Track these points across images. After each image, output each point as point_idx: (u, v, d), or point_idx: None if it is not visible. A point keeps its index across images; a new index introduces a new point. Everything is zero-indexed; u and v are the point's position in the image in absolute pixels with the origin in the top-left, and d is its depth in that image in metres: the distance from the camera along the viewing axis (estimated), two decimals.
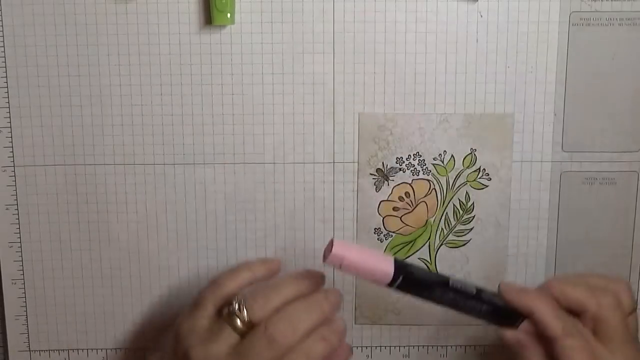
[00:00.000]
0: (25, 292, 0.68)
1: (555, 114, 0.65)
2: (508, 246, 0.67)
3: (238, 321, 0.53)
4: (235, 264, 0.64)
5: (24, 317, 0.68)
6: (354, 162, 0.66)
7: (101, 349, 0.69)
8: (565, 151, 0.66)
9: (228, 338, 0.53)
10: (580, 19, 0.63)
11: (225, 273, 0.59)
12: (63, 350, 0.69)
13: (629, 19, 0.63)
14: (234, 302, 0.54)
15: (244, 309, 0.53)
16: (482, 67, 0.64)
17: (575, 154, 0.66)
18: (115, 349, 0.69)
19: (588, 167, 0.66)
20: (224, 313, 0.54)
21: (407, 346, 0.69)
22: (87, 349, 0.69)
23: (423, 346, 0.69)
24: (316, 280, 0.57)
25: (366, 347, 0.69)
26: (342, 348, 0.56)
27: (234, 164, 0.66)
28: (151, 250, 0.67)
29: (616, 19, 0.63)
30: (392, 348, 0.69)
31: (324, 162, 0.66)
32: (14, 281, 0.68)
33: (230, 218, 0.67)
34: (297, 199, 0.66)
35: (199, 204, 0.66)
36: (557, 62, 0.64)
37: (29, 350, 0.69)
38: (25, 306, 0.68)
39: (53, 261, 0.67)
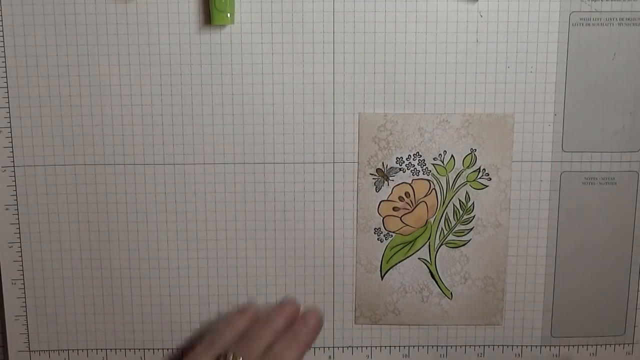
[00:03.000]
0: (25, 292, 0.68)
1: (555, 114, 0.65)
2: (508, 246, 0.67)
3: None
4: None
5: (24, 317, 0.68)
6: (353, 162, 0.66)
7: (101, 349, 0.69)
8: (565, 151, 0.66)
9: None
10: (580, 19, 0.63)
11: (212, 335, 0.63)
12: (63, 350, 0.69)
13: (629, 19, 0.63)
14: (229, 354, 0.60)
15: (240, 357, 0.60)
16: (482, 67, 0.64)
17: (575, 154, 0.66)
18: (115, 349, 0.69)
19: (588, 167, 0.66)
20: None
21: (407, 346, 0.69)
22: (87, 349, 0.69)
23: (423, 346, 0.69)
24: (290, 313, 0.65)
25: (366, 347, 0.69)
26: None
27: (234, 164, 0.66)
28: (151, 250, 0.67)
29: (616, 19, 0.63)
30: (392, 348, 0.69)
31: (323, 162, 0.66)
32: (14, 281, 0.68)
33: (230, 218, 0.67)
34: (297, 199, 0.66)
35: (199, 204, 0.66)
36: (557, 62, 0.64)
37: (29, 350, 0.69)
38: (25, 306, 0.68)
39: (53, 261, 0.67)
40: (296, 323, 0.64)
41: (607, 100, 0.65)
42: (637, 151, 0.66)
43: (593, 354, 0.69)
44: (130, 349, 0.69)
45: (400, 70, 0.64)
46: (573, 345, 0.69)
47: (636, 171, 0.66)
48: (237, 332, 0.63)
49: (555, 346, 0.69)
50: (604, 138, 0.65)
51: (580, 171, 0.66)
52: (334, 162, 0.66)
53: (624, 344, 0.69)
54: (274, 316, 0.64)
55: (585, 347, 0.69)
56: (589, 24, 0.63)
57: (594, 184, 0.66)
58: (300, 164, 0.66)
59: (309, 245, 0.67)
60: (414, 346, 0.69)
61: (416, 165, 0.66)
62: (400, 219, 0.67)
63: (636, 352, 0.69)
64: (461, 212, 0.67)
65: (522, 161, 0.66)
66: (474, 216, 0.67)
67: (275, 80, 0.64)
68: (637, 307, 0.68)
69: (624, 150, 0.65)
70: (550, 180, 0.66)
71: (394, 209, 0.67)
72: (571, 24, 0.63)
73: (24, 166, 0.66)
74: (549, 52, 0.64)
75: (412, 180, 0.66)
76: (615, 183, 0.66)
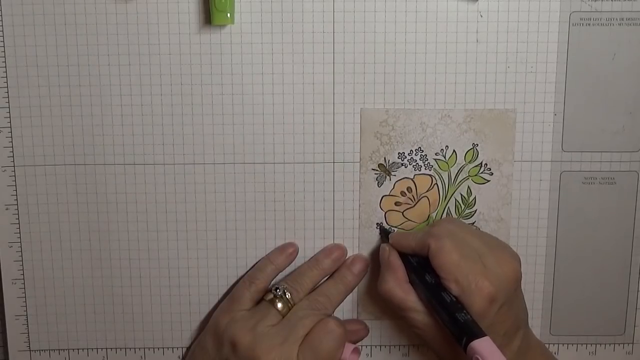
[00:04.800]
0: (25, 292, 0.68)
1: (555, 114, 0.65)
2: (509, 240, 0.67)
3: (280, 305, 0.63)
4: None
5: (24, 317, 0.68)
6: (354, 162, 0.66)
7: (101, 349, 0.69)
8: (565, 151, 0.66)
9: (273, 318, 0.62)
10: (580, 19, 0.63)
11: (254, 271, 0.66)
12: (63, 350, 0.69)
13: (629, 19, 0.63)
14: (279, 290, 0.63)
15: (287, 293, 0.63)
16: (482, 68, 0.64)
17: (575, 154, 0.66)
18: (116, 348, 0.69)
19: (588, 167, 0.66)
20: (267, 299, 0.63)
21: (406, 345, 0.69)
22: (87, 349, 0.69)
23: (423, 345, 0.69)
24: (336, 256, 0.66)
25: (366, 345, 0.69)
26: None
27: (234, 164, 0.66)
28: (151, 250, 0.67)
29: (616, 19, 0.63)
30: (392, 347, 0.69)
31: (324, 162, 0.66)
32: (14, 281, 0.68)
33: (230, 218, 0.67)
34: (297, 199, 0.66)
35: (199, 204, 0.66)
36: (557, 62, 0.64)
37: (29, 350, 0.69)
38: (25, 306, 0.68)
39: (53, 261, 0.67)
40: (342, 266, 0.66)
41: (607, 100, 0.65)
42: (637, 151, 0.66)
43: (592, 353, 0.69)
44: (130, 349, 0.69)
45: (400, 70, 0.64)
46: (572, 344, 0.69)
47: (636, 171, 0.66)
48: (277, 268, 0.66)
49: (554, 344, 0.69)
50: (604, 138, 0.65)
51: (580, 171, 0.66)
52: (334, 162, 0.66)
53: (623, 344, 0.69)
54: (322, 258, 0.66)
55: (584, 346, 0.69)
56: (589, 24, 0.63)
57: (594, 183, 0.66)
58: (300, 163, 0.66)
59: (309, 246, 0.67)
60: (413, 345, 0.69)
61: (418, 161, 0.66)
62: (402, 214, 0.67)
63: (636, 352, 0.69)
64: (463, 206, 0.67)
65: (522, 161, 0.66)
66: (475, 210, 0.67)
67: (275, 80, 0.64)
68: (637, 307, 0.68)
69: (624, 150, 0.66)
70: (550, 180, 0.66)
71: (396, 204, 0.67)
72: (571, 24, 0.63)
73: (24, 166, 0.66)
74: (549, 52, 0.64)
75: (414, 175, 0.66)
76: (615, 183, 0.66)
